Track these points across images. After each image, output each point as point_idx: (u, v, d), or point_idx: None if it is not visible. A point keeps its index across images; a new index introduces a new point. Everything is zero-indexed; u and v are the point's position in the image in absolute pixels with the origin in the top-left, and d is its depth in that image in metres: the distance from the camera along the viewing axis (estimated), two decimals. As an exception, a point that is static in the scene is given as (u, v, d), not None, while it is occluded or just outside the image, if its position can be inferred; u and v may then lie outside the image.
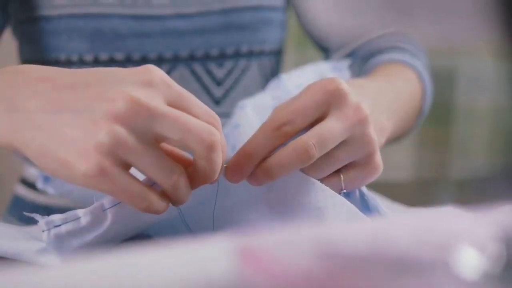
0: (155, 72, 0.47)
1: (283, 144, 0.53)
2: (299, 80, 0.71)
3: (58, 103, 0.47)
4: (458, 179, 1.68)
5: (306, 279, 0.29)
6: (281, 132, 0.52)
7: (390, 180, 0.93)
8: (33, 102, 0.47)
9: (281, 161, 0.51)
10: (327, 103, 0.53)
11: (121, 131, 0.44)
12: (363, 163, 0.55)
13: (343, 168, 0.55)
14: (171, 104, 0.47)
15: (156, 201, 0.47)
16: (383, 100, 0.63)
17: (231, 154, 0.54)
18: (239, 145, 0.54)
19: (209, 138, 0.46)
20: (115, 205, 0.50)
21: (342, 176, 0.55)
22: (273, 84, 0.72)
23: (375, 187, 0.59)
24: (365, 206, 0.58)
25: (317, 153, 0.51)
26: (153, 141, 0.46)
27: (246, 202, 0.55)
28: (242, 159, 0.52)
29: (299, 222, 0.53)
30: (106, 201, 0.50)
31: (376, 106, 0.60)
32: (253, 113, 0.68)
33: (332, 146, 0.52)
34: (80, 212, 0.51)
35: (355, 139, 0.53)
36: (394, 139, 0.77)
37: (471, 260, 0.31)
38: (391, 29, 0.31)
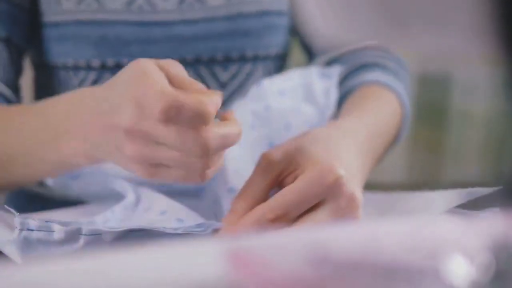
0: None
1: None
2: (282, 85, 0.70)
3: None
4: (450, 184, 1.68)
5: (296, 284, 0.30)
6: (275, 223, 0.54)
7: (382, 182, 0.93)
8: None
9: None
10: (323, 195, 0.54)
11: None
12: None
13: None
14: None
15: None
16: (367, 149, 0.64)
17: None
18: None
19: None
20: (93, 234, 0.51)
21: None
22: (253, 92, 0.70)
23: (366, 187, 0.60)
24: None
25: None
26: None
27: None
28: (232, 233, 0.54)
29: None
30: (86, 227, 0.52)
31: (360, 154, 0.61)
32: None
33: None
34: (55, 227, 0.52)
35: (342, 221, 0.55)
36: None
37: (460, 269, 0.31)
38: (383, 39, 0.32)
